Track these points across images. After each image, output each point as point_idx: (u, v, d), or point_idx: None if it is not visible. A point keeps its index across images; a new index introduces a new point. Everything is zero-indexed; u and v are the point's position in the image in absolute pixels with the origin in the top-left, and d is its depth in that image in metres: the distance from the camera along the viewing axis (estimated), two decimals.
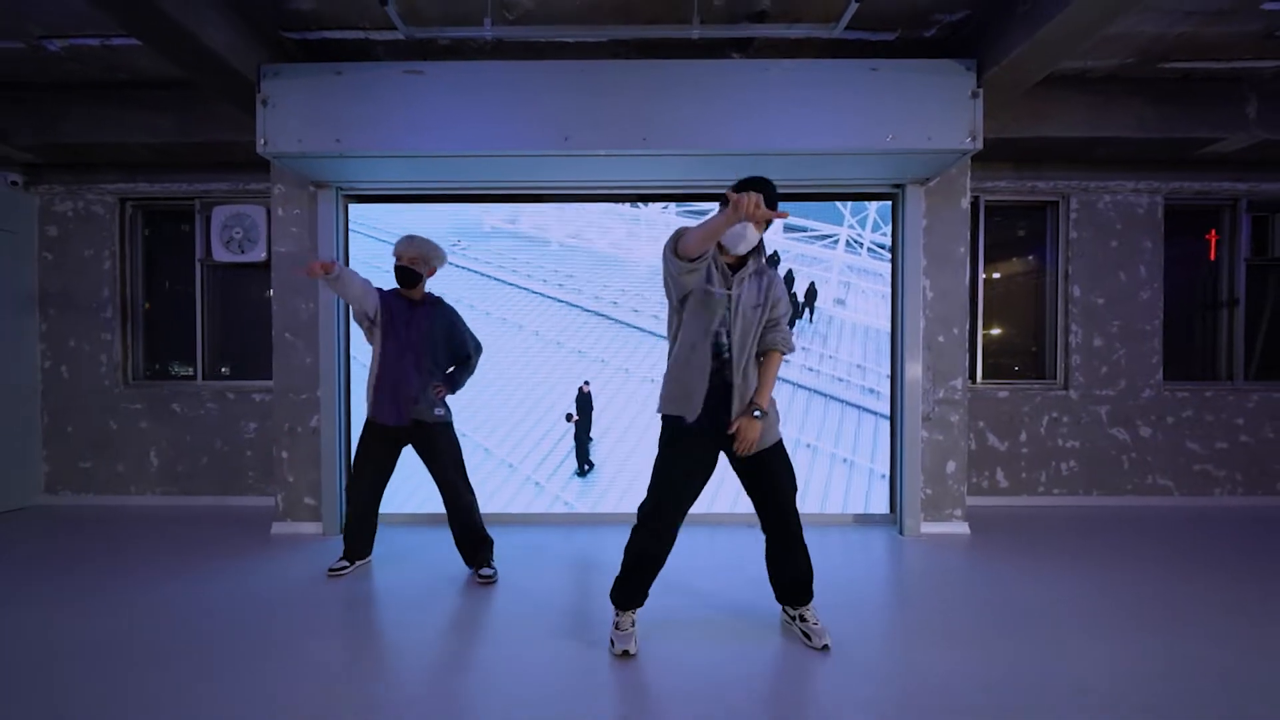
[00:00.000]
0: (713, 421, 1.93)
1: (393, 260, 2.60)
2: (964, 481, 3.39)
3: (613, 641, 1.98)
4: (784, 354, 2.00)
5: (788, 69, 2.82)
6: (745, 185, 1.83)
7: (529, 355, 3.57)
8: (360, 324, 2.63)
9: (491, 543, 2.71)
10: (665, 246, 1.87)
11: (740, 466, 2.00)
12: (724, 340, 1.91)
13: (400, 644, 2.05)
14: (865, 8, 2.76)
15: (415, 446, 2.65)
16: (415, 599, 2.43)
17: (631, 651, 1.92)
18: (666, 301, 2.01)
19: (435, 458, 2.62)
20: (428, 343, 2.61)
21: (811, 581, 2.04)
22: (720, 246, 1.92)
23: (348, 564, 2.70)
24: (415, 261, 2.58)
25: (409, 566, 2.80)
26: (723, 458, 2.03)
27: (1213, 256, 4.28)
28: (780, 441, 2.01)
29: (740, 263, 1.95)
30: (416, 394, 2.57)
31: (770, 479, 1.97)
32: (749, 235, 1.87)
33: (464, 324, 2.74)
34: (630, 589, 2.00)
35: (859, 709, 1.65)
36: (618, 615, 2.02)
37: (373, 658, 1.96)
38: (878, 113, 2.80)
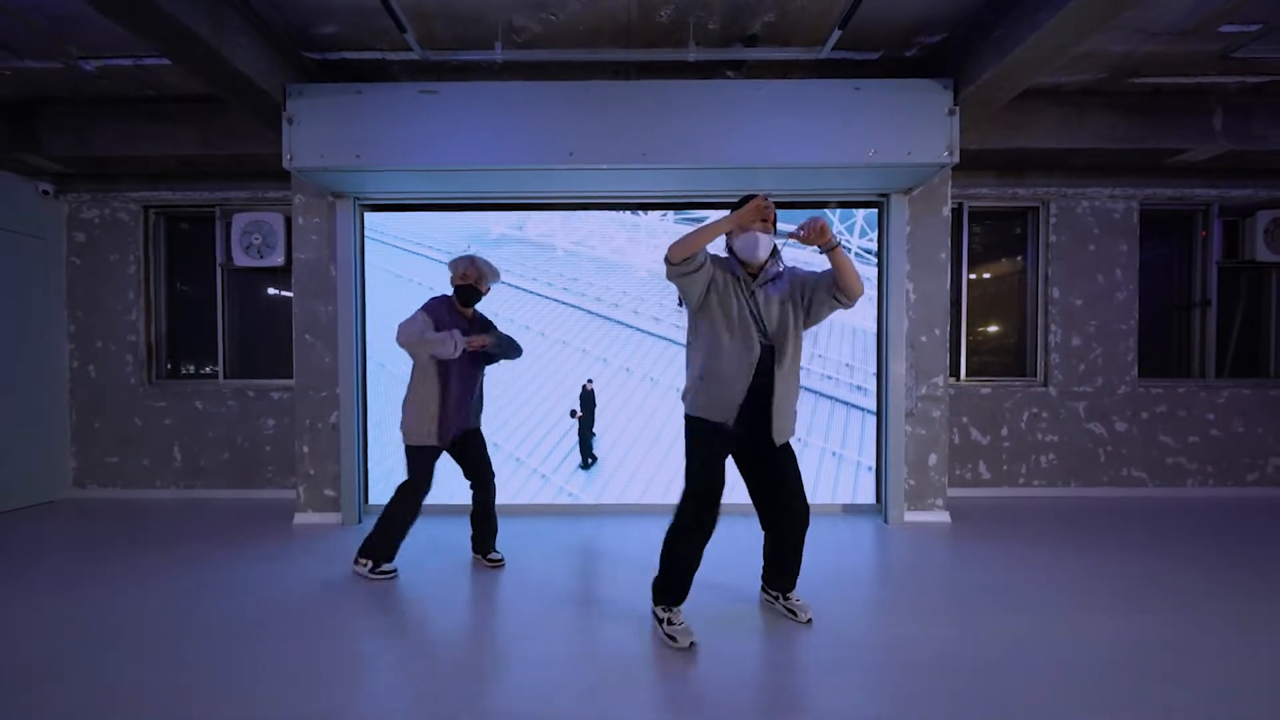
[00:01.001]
0: (741, 424, 1.99)
1: (450, 277, 2.68)
2: (945, 473, 3.60)
3: (674, 638, 1.99)
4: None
5: (778, 88, 3.02)
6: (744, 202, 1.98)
7: (535, 355, 3.77)
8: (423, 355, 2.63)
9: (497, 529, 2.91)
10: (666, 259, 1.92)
11: (749, 465, 2.13)
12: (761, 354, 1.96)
13: (415, 628, 2.23)
14: (850, 30, 2.95)
15: (454, 451, 2.74)
16: (428, 586, 2.61)
17: (697, 641, 1.99)
18: (674, 307, 2.14)
19: (479, 458, 2.77)
20: (482, 358, 2.72)
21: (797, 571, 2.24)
22: (740, 260, 1.99)
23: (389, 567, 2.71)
24: (479, 281, 2.67)
25: (421, 556, 2.99)
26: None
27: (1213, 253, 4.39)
28: (790, 445, 2.12)
29: (760, 270, 2.01)
30: (473, 407, 2.71)
31: (779, 476, 2.09)
32: (762, 241, 1.93)
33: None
34: (676, 585, 2.07)
35: (847, 677, 1.84)
36: (668, 612, 2.08)
37: (391, 641, 2.14)
38: (861, 129, 3.00)
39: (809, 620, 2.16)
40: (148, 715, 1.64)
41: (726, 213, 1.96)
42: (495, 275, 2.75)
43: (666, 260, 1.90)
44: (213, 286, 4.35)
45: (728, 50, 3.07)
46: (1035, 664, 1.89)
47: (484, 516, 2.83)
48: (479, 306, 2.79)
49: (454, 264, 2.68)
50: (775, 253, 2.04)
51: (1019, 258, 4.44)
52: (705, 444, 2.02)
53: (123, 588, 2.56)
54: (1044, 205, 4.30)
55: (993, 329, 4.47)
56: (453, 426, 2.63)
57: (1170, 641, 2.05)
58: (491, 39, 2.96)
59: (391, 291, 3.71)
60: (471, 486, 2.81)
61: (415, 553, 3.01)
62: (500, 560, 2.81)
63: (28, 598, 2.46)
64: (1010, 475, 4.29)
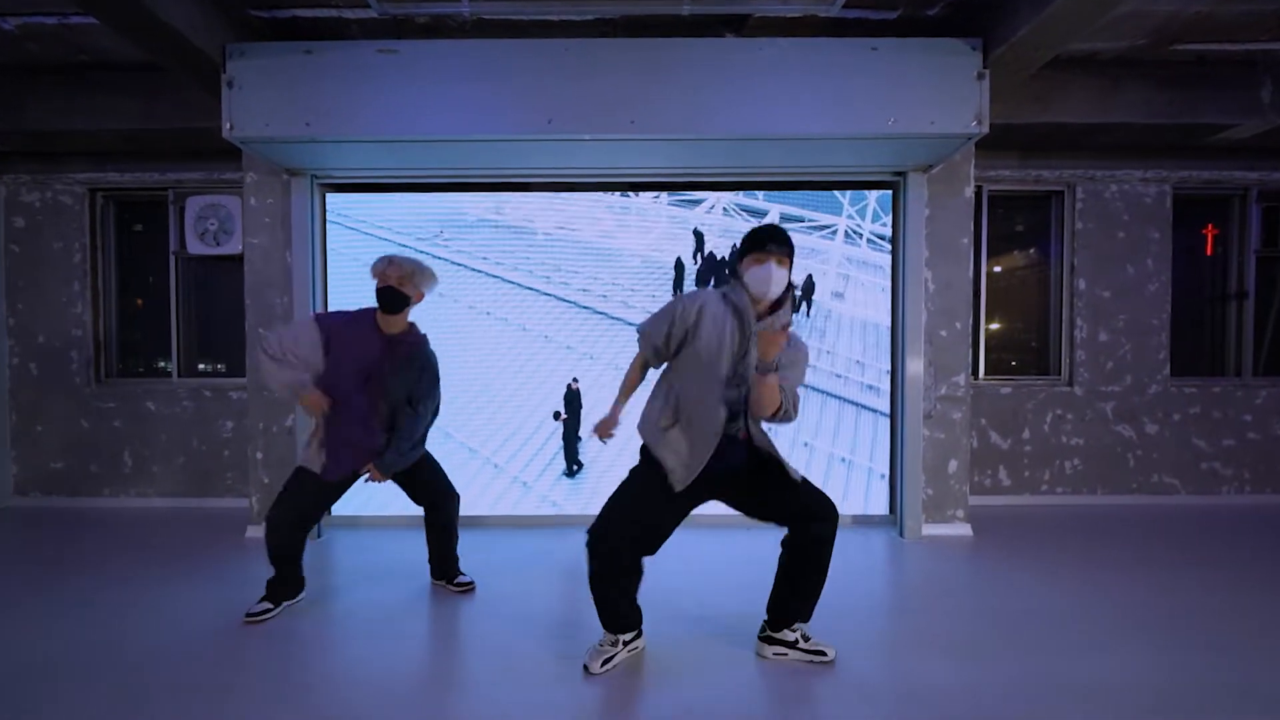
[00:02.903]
0: (711, 468, 1.74)
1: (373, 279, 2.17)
2: (966, 481, 3.27)
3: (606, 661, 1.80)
4: (786, 411, 1.72)
5: (784, 49, 2.67)
6: (758, 237, 1.72)
7: (515, 351, 3.43)
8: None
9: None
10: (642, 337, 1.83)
11: (739, 499, 1.85)
12: (738, 397, 1.73)
13: (383, 655, 1.93)
14: None
15: (398, 479, 2.35)
16: (398, 608, 2.31)
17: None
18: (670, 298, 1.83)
19: (416, 485, 2.39)
20: (400, 390, 2.22)
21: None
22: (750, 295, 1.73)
23: (272, 606, 2.23)
24: (402, 282, 2.13)
25: (389, 573, 2.67)
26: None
27: (1209, 251, 4.15)
28: (782, 460, 1.80)
29: (771, 310, 1.76)
30: (379, 450, 2.22)
31: (771, 492, 1.80)
32: (776, 276, 1.69)
33: (436, 376, 2.32)
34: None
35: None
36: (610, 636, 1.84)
37: (355, 669, 1.84)
38: (878, 95, 2.65)
39: (832, 659, 1.83)
40: None
41: None
42: (429, 278, 2.21)
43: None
44: (166, 277, 3.99)
45: (727, 4, 2.71)
46: (1069, 712, 1.60)
47: (443, 542, 2.48)
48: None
49: (373, 265, 2.16)
50: (787, 295, 1.77)
51: (1040, 247, 4.10)
52: (646, 480, 1.82)
53: (58, 611, 2.27)
54: (1069, 189, 3.97)
55: (1013, 323, 4.14)
56: (342, 459, 2.18)
57: (1207, 676, 1.78)
58: None
59: (357, 281, 3.36)
60: (424, 508, 2.46)
61: (386, 572, 2.68)
62: (470, 585, 2.47)
63: None
64: (1032, 482, 3.97)
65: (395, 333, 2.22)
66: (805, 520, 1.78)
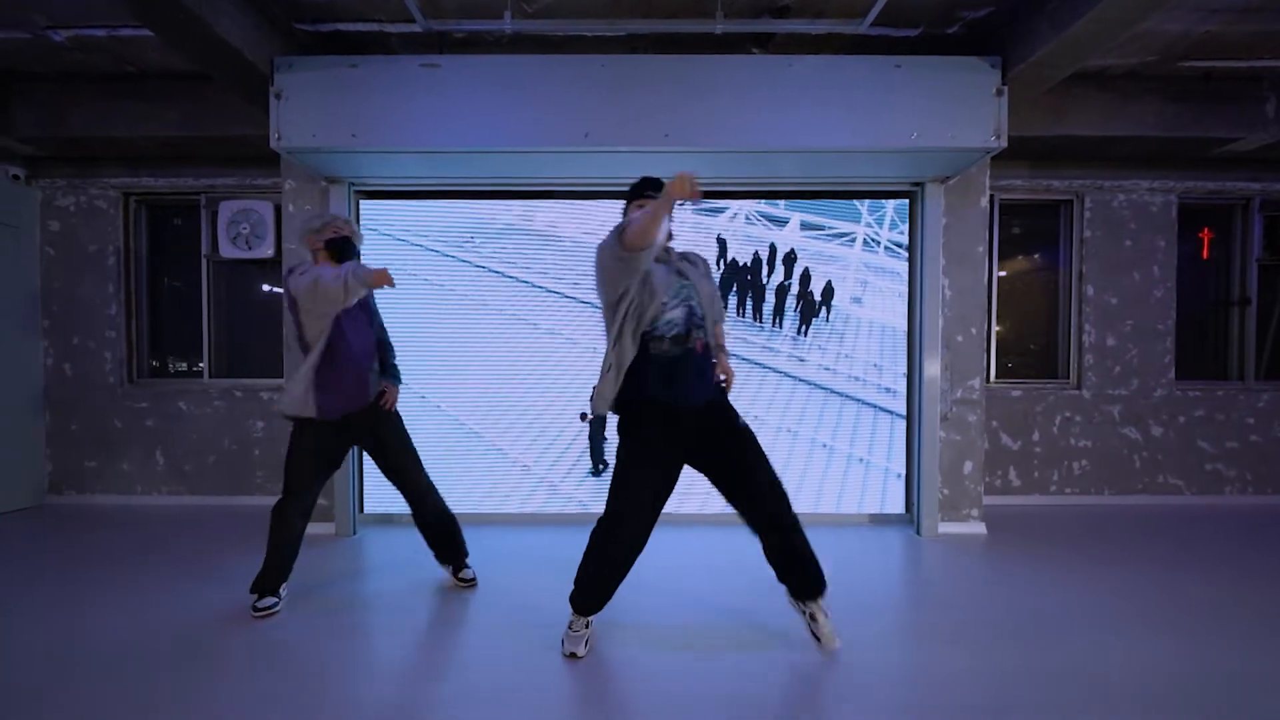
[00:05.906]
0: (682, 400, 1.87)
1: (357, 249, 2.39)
2: (981, 482, 3.38)
3: (563, 641, 1.96)
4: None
5: (811, 65, 2.79)
6: (645, 185, 1.90)
7: (543, 353, 3.53)
8: (315, 319, 2.24)
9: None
10: (607, 245, 1.78)
11: (703, 459, 1.92)
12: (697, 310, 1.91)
13: (408, 647, 2.03)
14: (889, 4, 2.72)
15: (360, 438, 2.39)
16: (421, 604, 2.40)
17: (580, 654, 1.91)
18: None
19: (385, 447, 2.39)
20: (374, 316, 2.48)
21: (819, 569, 1.92)
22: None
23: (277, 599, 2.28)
24: (354, 232, 2.36)
25: (413, 570, 2.77)
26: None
27: (1205, 255, 4.24)
28: (744, 423, 1.93)
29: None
30: (369, 373, 2.36)
31: (737, 461, 1.89)
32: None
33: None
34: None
35: (868, 714, 1.63)
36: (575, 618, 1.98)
37: (386, 660, 1.94)
38: (901, 110, 2.76)
39: (834, 650, 1.91)
40: None
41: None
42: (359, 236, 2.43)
43: (629, 248, 1.73)
44: (198, 279, 4.09)
45: (757, 22, 2.83)
46: (1075, 698, 1.70)
47: (431, 523, 2.46)
48: None
49: (317, 223, 2.31)
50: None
51: (1049, 253, 4.22)
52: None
53: (99, 605, 2.34)
54: (1078, 198, 4.08)
55: (1023, 328, 4.26)
56: (348, 391, 2.28)
57: (1213, 669, 1.88)
58: (500, 7, 2.71)
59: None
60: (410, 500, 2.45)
61: (408, 566, 2.78)
62: (472, 579, 2.50)
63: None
64: (1041, 482, 4.08)
65: None
66: (775, 531, 1.88)
